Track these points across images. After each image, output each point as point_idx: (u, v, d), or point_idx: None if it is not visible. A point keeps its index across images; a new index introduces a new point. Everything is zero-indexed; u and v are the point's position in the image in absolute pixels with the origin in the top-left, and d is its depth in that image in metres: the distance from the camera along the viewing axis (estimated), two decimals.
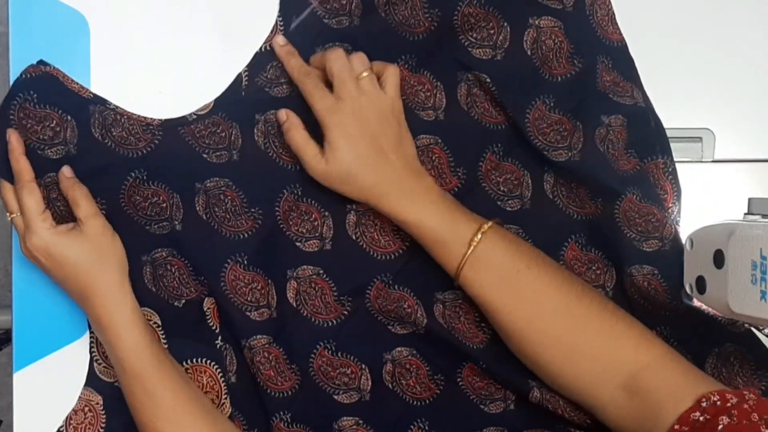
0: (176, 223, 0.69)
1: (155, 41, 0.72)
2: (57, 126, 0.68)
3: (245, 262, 0.70)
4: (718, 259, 0.62)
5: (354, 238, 0.71)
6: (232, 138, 0.70)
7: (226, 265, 0.69)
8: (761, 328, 0.68)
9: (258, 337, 0.69)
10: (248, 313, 0.69)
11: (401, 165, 0.66)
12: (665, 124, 0.73)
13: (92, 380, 0.70)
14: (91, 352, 0.70)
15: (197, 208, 0.69)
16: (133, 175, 0.68)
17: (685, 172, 0.73)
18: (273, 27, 0.71)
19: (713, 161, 0.75)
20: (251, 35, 0.72)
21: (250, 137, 0.70)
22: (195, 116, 0.71)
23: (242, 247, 0.70)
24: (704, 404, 0.56)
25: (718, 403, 0.55)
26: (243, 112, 0.71)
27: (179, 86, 0.72)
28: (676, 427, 0.56)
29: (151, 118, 0.70)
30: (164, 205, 0.69)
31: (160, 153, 0.69)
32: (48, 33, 0.71)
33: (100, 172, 0.68)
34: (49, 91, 0.69)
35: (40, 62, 0.70)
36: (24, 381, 0.71)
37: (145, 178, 0.68)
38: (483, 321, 0.71)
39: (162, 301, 0.69)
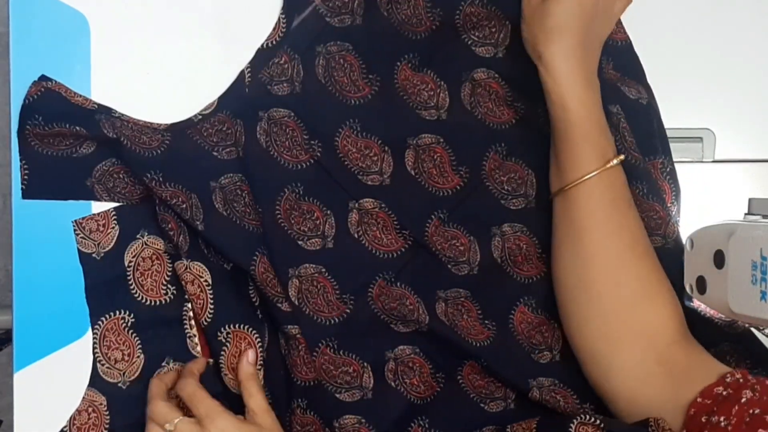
0: (198, 222, 0.68)
1: (156, 41, 0.72)
2: (72, 136, 0.69)
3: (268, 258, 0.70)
4: (719, 259, 0.62)
5: (356, 236, 0.71)
6: (237, 135, 0.70)
7: (255, 258, 0.69)
8: (761, 328, 0.68)
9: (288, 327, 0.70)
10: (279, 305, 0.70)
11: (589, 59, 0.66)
12: (666, 124, 0.73)
13: (96, 381, 0.70)
14: (94, 353, 0.70)
15: (216, 206, 0.69)
16: (149, 175, 0.68)
17: (685, 172, 0.73)
18: (275, 24, 0.71)
19: (713, 161, 0.75)
20: (251, 35, 0.72)
21: (252, 135, 0.70)
22: (200, 116, 0.71)
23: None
24: (728, 380, 0.57)
25: (741, 380, 0.56)
26: (246, 110, 0.71)
27: (180, 86, 0.72)
28: (699, 399, 0.56)
29: (157, 123, 0.70)
30: (184, 206, 0.68)
31: (172, 154, 0.69)
32: (48, 33, 0.71)
33: (123, 164, 0.69)
34: (54, 110, 0.69)
35: (42, 78, 0.70)
36: (24, 381, 0.71)
37: (161, 179, 0.68)
38: (486, 318, 0.71)
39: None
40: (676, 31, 0.76)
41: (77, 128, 0.68)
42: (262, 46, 0.71)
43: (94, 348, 0.70)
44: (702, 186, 0.75)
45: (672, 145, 0.72)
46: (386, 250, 0.71)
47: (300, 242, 0.71)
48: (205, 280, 0.68)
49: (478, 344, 0.70)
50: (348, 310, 0.71)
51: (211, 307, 0.68)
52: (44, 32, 0.71)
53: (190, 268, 0.68)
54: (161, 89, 0.72)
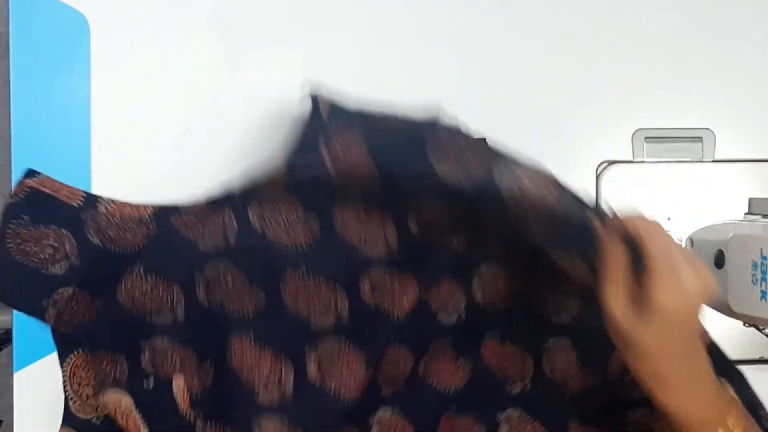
0: (179, 313, 0.68)
1: (156, 41, 0.72)
2: (55, 242, 0.68)
3: (252, 339, 0.68)
4: (719, 258, 0.62)
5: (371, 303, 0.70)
6: (225, 222, 0.69)
7: (233, 343, 0.68)
8: (761, 327, 0.68)
9: (270, 417, 0.67)
10: (256, 393, 0.67)
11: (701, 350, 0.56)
12: (666, 124, 0.73)
13: (69, 419, 0.69)
14: (65, 391, 0.69)
15: (198, 295, 0.68)
16: (129, 269, 0.67)
17: (685, 172, 0.73)
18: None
19: (713, 161, 0.75)
20: (251, 35, 0.72)
21: (245, 221, 0.68)
22: (186, 207, 0.69)
23: (248, 326, 0.68)
24: None
25: None
26: (233, 200, 0.69)
27: (180, 86, 0.72)
28: None
29: (144, 207, 0.69)
30: (164, 296, 0.67)
31: (156, 246, 0.68)
32: (48, 33, 0.71)
33: (104, 277, 0.68)
34: (41, 209, 0.68)
35: (29, 173, 0.69)
36: (24, 381, 0.71)
37: (142, 272, 0.67)
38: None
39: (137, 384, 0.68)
40: (676, 31, 0.76)
41: (63, 231, 0.67)
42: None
43: (64, 386, 0.69)
44: (702, 186, 0.75)
45: (672, 145, 0.72)
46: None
47: (312, 319, 0.69)
48: (126, 407, 0.67)
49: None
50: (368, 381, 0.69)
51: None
52: (44, 32, 0.71)
53: (106, 399, 0.67)
54: (161, 89, 0.72)
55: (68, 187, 0.69)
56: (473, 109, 0.75)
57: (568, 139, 0.75)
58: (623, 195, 0.75)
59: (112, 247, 0.68)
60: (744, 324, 0.72)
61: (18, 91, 0.70)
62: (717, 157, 0.75)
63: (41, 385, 0.71)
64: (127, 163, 0.72)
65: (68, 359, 0.69)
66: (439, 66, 0.75)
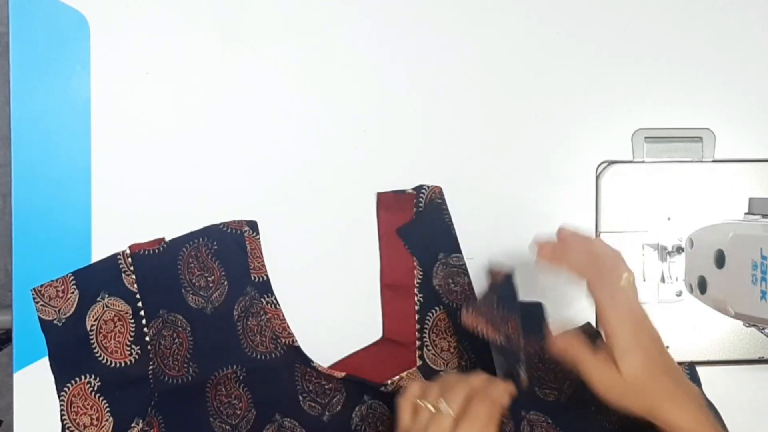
0: None
1: (156, 41, 0.72)
2: None
3: None
4: (719, 258, 0.62)
5: None
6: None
7: None
8: (761, 327, 0.68)
9: None
10: None
11: (674, 374, 0.60)
12: (666, 124, 0.73)
13: None
14: (62, 420, 0.69)
15: None
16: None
17: (685, 172, 0.73)
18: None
19: (713, 161, 0.76)
20: (252, 35, 0.72)
21: None
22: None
23: None
24: None
25: None
26: None
27: (180, 86, 0.72)
28: None
29: None
30: None
31: None
32: (48, 33, 0.71)
33: None
34: None
35: None
36: (24, 381, 0.71)
37: None
38: None
39: None
40: (675, 31, 0.76)
41: None
42: None
43: (62, 415, 0.69)
44: (702, 186, 0.75)
45: (672, 145, 0.72)
46: None
47: None
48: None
49: None
50: None
51: None
52: (44, 32, 0.71)
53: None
54: (161, 89, 0.72)
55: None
56: (473, 110, 0.76)
57: (568, 139, 0.75)
58: (623, 195, 0.75)
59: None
60: (744, 324, 0.72)
61: (18, 91, 0.70)
62: (717, 157, 0.76)
63: (41, 385, 0.71)
64: (127, 162, 0.72)
65: (66, 388, 0.70)
66: (438, 66, 0.75)
